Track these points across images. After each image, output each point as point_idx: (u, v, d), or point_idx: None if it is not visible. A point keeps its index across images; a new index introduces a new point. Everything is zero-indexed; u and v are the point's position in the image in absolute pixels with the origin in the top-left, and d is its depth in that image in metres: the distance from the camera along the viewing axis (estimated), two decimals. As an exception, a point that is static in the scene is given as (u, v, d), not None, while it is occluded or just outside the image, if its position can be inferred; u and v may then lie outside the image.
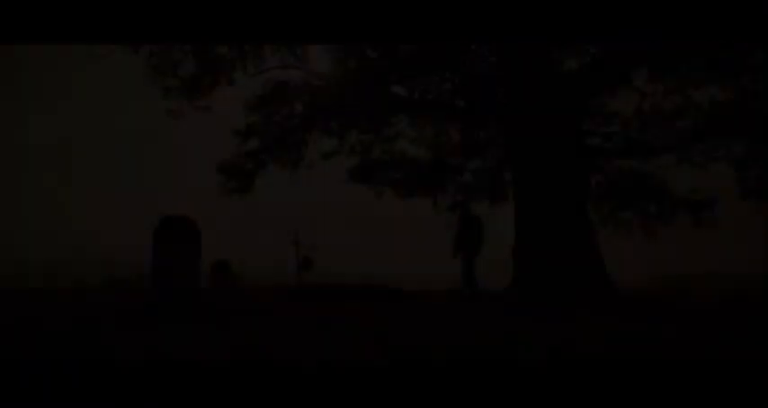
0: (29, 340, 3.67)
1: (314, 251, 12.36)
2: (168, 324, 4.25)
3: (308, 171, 12.81)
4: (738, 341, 3.62)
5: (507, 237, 11.77)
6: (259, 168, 12.52)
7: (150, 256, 5.29)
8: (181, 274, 5.19)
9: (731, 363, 2.99)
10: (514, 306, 7.13)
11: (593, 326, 4.74)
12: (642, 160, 13.73)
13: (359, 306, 7.11)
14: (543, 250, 10.23)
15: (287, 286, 10.58)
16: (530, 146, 10.99)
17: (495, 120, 12.51)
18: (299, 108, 12.30)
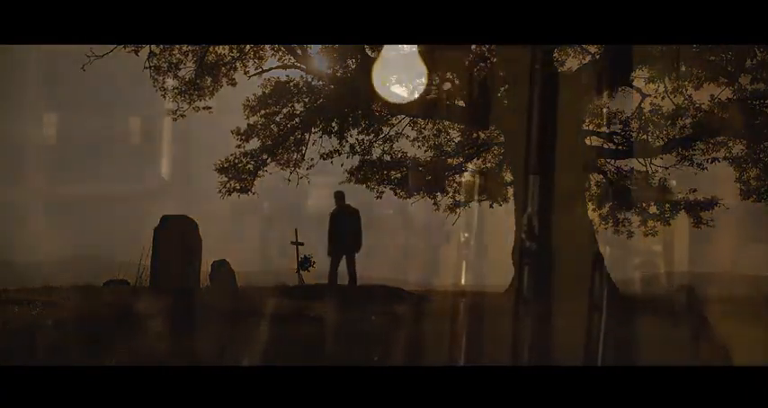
0: (30, 340, 3.67)
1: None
2: (168, 324, 4.25)
3: (308, 171, 12.85)
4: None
5: (507, 238, 11.79)
6: (259, 168, 12.55)
7: (150, 256, 5.30)
8: (180, 274, 5.19)
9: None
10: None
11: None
12: (642, 160, 13.74)
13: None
14: (543, 250, 10.23)
15: (286, 286, 10.58)
16: (530, 146, 10.99)
17: (495, 120, 12.52)
18: (299, 108, 12.32)
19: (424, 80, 12.87)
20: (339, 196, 10.51)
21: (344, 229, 9.95)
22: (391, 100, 12.04)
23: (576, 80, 11.34)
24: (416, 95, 13.53)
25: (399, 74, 12.19)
